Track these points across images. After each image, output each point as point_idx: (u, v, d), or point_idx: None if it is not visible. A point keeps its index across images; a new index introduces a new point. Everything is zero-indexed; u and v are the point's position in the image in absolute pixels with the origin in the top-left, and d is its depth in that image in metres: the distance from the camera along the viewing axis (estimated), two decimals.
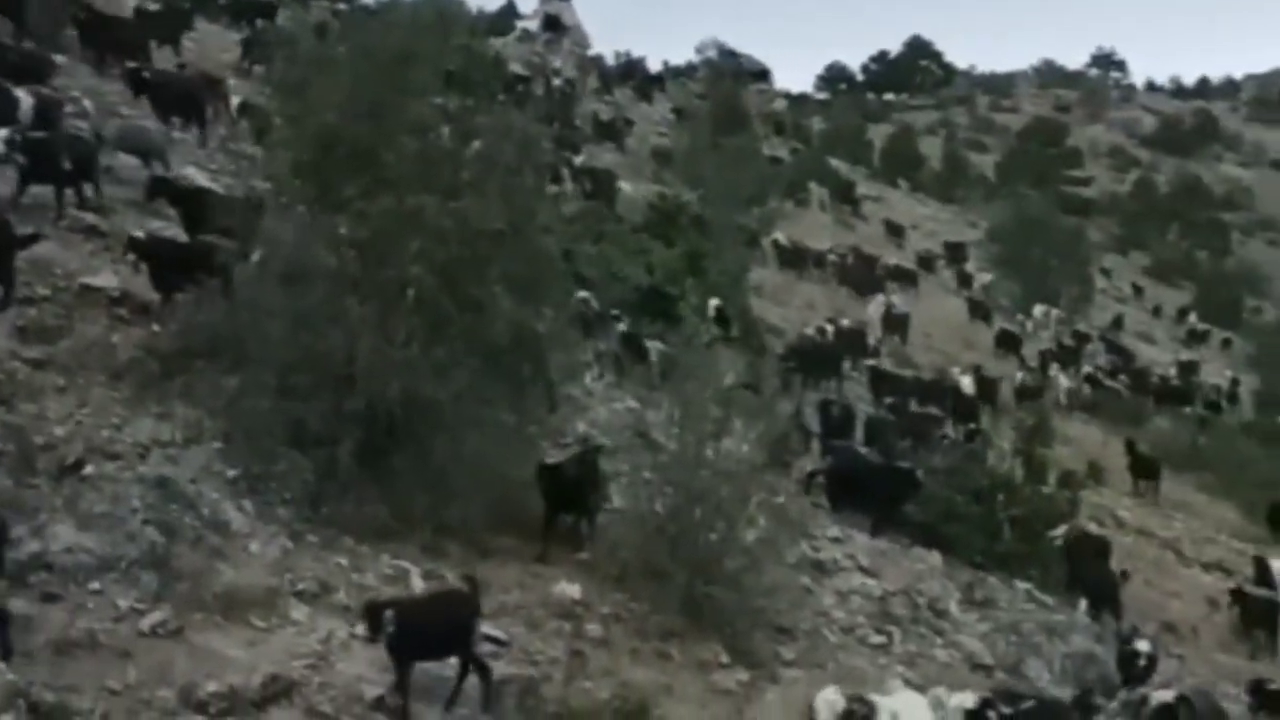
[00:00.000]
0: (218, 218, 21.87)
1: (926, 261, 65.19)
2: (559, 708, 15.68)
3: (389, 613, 14.42)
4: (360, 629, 15.07)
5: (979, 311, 56.66)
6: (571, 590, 18.20)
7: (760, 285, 42.96)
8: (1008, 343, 51.94)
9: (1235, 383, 63.41)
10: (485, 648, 15.59)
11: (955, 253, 69.27)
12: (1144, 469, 39.82)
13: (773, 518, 20.14)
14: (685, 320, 27.14)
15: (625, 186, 44.81)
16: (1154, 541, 33.99)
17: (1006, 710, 13.35)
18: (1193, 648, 27.70)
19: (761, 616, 19.68)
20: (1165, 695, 14.93)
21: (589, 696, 16.02)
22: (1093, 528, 30.38)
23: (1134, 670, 21.82)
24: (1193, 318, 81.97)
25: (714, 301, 32.89)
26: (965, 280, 64.33)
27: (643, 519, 19.67)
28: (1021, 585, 25.82)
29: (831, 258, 53.09)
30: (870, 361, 38.18)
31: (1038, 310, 60.35)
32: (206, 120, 30.41)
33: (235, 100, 32.66)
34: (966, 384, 39.94)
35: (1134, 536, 33.46)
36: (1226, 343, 77.42)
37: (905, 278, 56.33)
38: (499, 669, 15.69)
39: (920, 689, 19.33)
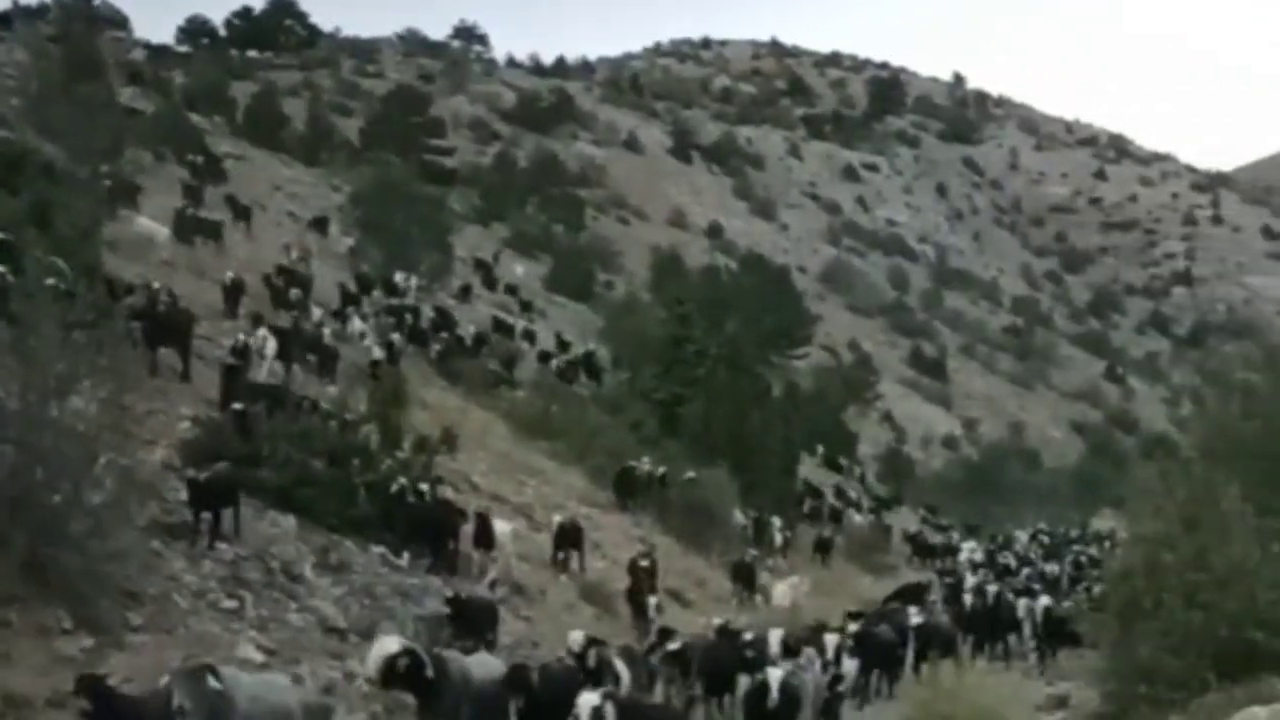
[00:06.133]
0: None
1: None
2: None
3: None
4: None
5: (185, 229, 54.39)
6: None
7: (115, 241, 41.24)
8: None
9: (528, 335, 66.70)
10: None
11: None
12: None
13: (121, 480, 19.50)
14: (29, 272, 25.69)
15: None
16: (507, 506, 35.10)
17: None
18: (541, 610, 28.94)
19: (108, 581, 18.94)
20: None
21: None
22: (449, 492, 31.16)
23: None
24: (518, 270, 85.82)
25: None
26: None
27: None
28: (376, 549, 26.22)
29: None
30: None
31: (399, 277, 60.97)
32: None
33: None
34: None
35: (488, 501, 34.43)
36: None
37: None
38: None
39: (271, 653, 19.34)
